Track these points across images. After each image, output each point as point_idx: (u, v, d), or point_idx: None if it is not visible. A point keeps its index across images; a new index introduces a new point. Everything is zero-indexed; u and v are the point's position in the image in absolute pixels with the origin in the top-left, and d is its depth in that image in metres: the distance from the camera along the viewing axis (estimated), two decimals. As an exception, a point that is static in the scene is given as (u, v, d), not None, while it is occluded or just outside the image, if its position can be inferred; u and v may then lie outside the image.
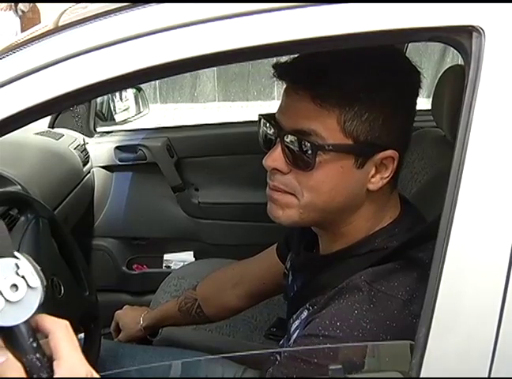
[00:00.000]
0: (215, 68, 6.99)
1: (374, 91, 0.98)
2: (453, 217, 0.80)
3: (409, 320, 0.92)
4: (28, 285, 0.66)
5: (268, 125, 1.06)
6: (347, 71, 0.97)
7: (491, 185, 0.80)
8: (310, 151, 0.98)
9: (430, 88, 1.64)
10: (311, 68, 0.99)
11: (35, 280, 0.66)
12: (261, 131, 1.08)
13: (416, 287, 0.95)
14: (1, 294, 0.64)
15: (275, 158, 1.02)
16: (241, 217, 2.45)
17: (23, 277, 0.66)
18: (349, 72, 0.97)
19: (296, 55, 1.03)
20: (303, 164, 0.99)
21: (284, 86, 1.03)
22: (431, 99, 1.65)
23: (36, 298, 0.66)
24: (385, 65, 1.00)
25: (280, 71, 1.02)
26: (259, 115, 1.09)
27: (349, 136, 0.98)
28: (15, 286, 0.65)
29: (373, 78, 0.98)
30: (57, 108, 1.46)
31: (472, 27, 0.80)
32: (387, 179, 1.02)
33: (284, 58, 1.02)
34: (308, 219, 1.05)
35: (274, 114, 1.05)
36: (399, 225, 1.05)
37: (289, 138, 1.00)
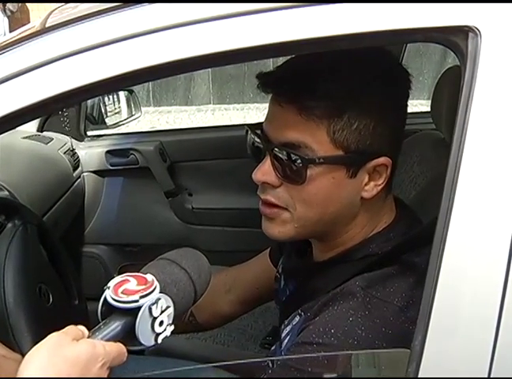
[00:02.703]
0: (209, 70, 7.01)
1: (363, 99, 0.98)
2: (449, 221, 0.80)
3: (406, 326, 0.93)
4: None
5: (256, 136, 1.06)
6: (332, 80, 0.97)
7: (488, 187, 0.81)
8: (300, 165, 0.98)
9: (430, 90, 1.65)
10: (295, 79, 0.98)
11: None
12: (249, 143, 1.08)
13: (413, 293, 0.95)
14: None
15: (265, 171, 1.02)
16: (236, 223, 2.44)
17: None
18: (335, 80, 0.97)
19: (279, 65, 1.03)
20: (294, 177, 1.00)
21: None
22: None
23: None
24: (372, 70, 1.00)
25: (264, 82, 1.02)
26: (246, 126, 1.09)
27: (340, 146, 0.98)
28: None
29: (360, 85, 0.98)
30: (46, 111, 1.47)
31: (468, 27, 0.81)
32: (381, 186, 1.02)
33: (265, 66, 1.02)
34: (304, 232, 1.06)
35: (262, 124, 1.05)
36: (394, 230, 1.06)
37: (278, 151, 1.00)
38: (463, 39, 0.81)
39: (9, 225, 1.32)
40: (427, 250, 0.84)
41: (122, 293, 0.82)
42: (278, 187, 1.02)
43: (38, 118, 2.27)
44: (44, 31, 0.93)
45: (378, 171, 1.01)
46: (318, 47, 0.88)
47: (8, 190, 1.79)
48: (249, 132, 1.08)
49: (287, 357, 1.03)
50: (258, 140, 1.05)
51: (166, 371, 1.30)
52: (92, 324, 0.84)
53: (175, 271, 0.89)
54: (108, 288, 0.83)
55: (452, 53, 0.84)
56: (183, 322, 1.54)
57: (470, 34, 0.81)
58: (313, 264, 1.14)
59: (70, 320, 1.40)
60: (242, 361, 1.11)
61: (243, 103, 7.47)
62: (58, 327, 0.81)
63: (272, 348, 1.23)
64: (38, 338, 0.79)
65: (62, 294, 1.40)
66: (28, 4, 8.30)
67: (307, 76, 0.97)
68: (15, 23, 7.68)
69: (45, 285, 1.31)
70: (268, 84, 1.02)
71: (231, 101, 7.59)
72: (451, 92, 1.46)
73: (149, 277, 0.84)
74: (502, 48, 0.81)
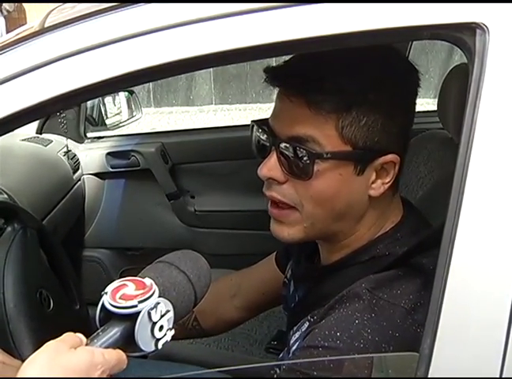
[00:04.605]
0: (211, 69, 7.01)
1: (372, 94, 0.98)
2: (457, 222, 0.80)
3: (413, 329, 0.93)
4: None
5: (261, 132, 1.06)
6: (341, 75, 0.97)
7: (498, 187, 0.81)
8: (307, 160, 0.98)
9: (437, 88, 1.64)
10: (304, 73, 0.99)
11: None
12: (254, 138, 1.08)
13: (420, 295, 0.95)
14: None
15: (270, 167, 1.02)
16: (239, 225, 2.45)
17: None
18: (344, 75, 0.97)
19: (288, 59, 1.03)
20: (301, 173, 1.00)
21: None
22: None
23: None
24: (381, 66, 1.00)
25: (272, 76, 1.02)
26: (251, 122, 1.09)
27: (348, 142, 0.98)
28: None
29: (369, 81, 0.98)
30: (44, 113, 1.47)
31: (476, 24, 0.81)
32: (389, 184, 1.03)
33: (275, 62, 1.02)
34: (313, 233, 1.06)
35: (267, 119, 1.05)
36: (401, 230, 1.06)
37: (285, 146, 1.00)
38: (470, 36, 0.81)
39: (9, 229, 1.32)
40: (434, 252, 0.83)
41: (120, 298, 0.81)
42: (284, 183, 1.02)
43: (37, 120, 2.27)
44: (43, 31, 0.93)
45: (386, 169, 1.02)
46: (324, 46, 0.88)
47: (7, 194, 1.79)
48: (254, 128, 1.08)
49: (292, 361, 1.03)
50: (264, 135, 1.06)
51: (171, 376, 1.30)
52: (93, 330, 0.84)
53: (174, 274, 0.88)
54: (106, 294, 0.82)
55: (459, 50, 0.84)
56: (187, 328, 1.54)
57: (478, 31, 0.81)
58: (322, 267, 1.14)
59: (71, 325, 1.40)
60: (247, 365, 1.11)
61: (246, 103, 7.47)
62: (59, 332, 0.81)
63: (280, 355, 1.23)
64: (38, 344, 0.79)
65: (62, 299, 1.40)
66: (25, 4, 8.31)
67: (316, 70, 0.98)
68: (12, 23, 7.69)
69: (45, 290, 1.31)
70: (277, 77, 1.02)
71: (233, 101, 7.60)
72: (458, 91, 1.46)
73: (148, 281, 0.83)
74: (510, 45, 0.80)
